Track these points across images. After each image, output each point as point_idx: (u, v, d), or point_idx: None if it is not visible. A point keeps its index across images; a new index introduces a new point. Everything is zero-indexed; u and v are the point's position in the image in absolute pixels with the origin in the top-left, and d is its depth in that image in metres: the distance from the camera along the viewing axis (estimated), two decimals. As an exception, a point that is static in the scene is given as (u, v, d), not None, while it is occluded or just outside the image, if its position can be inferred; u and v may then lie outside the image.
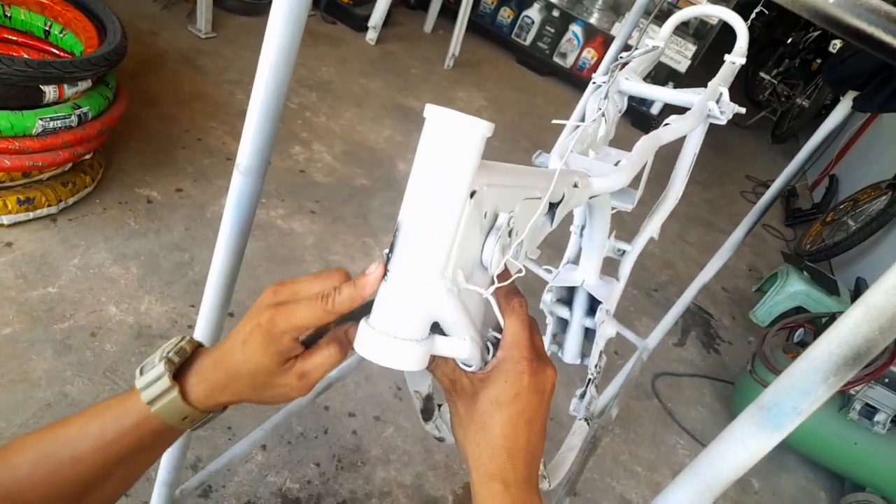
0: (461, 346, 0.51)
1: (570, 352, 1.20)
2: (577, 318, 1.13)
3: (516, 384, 0.51)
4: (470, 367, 0.53)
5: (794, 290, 3.09)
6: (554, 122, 0.91)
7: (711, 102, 1.07)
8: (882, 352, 1.94)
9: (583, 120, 0.97)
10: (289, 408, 1.41)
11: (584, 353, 1.15)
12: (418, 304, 0.46)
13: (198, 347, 0.55)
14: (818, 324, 2.41)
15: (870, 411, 2.12)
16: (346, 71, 3.72)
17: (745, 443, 0.48)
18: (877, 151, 4.67)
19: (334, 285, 0.49)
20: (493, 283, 0.52)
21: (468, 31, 4.42)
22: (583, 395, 1.33)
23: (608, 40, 4.90)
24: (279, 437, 1.58)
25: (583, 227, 1.00)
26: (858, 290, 2.56)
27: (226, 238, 0.78)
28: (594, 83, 1.36)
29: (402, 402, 1.84)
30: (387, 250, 0.46)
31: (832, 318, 2.28)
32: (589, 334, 1.12)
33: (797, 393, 0.45)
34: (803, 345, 2.32)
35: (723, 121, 1.08)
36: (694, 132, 1.08)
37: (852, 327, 0.42)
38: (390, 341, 0.46)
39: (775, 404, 0.46)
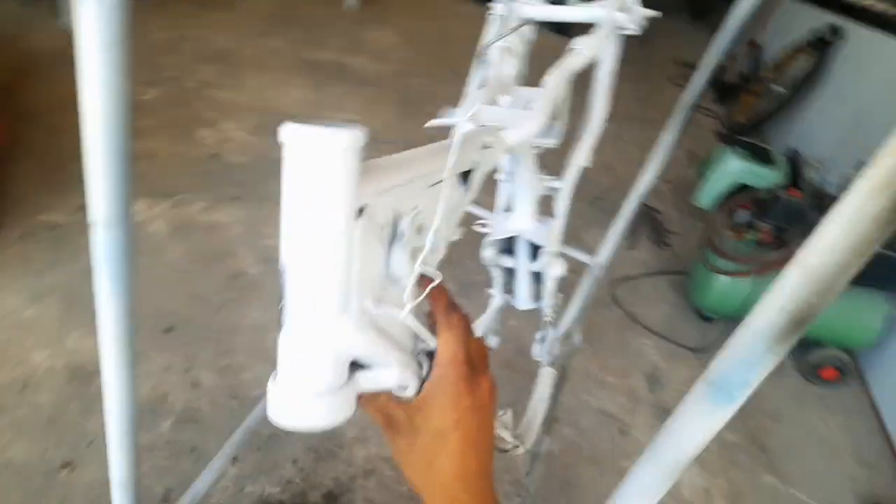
0: (388, 376, 0.45)
1: (522, 298, 1.18)
2: (523, 265, 1.11)
3: (456, 409, 0.48)
4: (406, 388, 0.48)
5: (730, 168, 3.11)
6: (434, 123, 0.79)
7: (618, 13, 0.99)
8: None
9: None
10: (255, 414, 1.35)
11: (540, 296, 1.13)
12: (325, 352, 0.40)
13: None
14: (761, 200, 2.44)
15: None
16: (243, 34, 3.47)
17: (701, 420, 0.46)
18: (794, 10, 4.66)
19: None
20: (412, 295, 0.45)
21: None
22: (543, 339, 1.30)
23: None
24: (248, 445, 1.53)
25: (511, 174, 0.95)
26: (793, 163, 2.59)
27: (110, 313, 0.66)
28: (492, 15, 1.26)
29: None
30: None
31: (771, 194, 2.31)
32: (538, 277, 1.10)
33: (744, 365, 0.43)
34: (748, 226, 2.36)
35: (635, 30, 1.00)
36: (606, 50, 1.00)
37: (790, 293, 0.37)
38: (304, 401, 0.40)
39: (724, 380, 0.44)
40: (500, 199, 1.03)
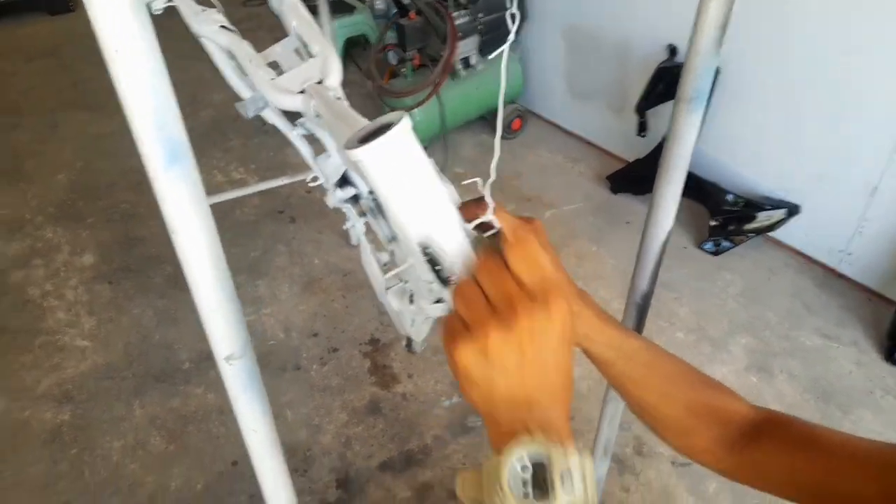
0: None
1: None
2: (363, 186, 1.18)
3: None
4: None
5: (333, 32, 3.35)
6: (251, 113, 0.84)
7: None
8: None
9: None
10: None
11: None
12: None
13: None
14: (386, 38, 2.74)
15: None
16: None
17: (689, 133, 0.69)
18: None
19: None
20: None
21: None
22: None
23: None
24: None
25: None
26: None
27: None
28: (157, 11, 1.19)
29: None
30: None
31: (397, 26, 2.62)
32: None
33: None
34: (400, 62, 2.67)
35: None
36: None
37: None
38: None
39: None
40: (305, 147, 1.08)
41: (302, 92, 0.79)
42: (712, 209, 2.25)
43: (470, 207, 0.48)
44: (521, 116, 2.94)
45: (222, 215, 2.49)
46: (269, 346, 1.95)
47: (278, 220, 2.50)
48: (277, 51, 0.96)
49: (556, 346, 0.42)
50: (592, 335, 0.56)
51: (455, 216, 0.47)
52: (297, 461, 1.62)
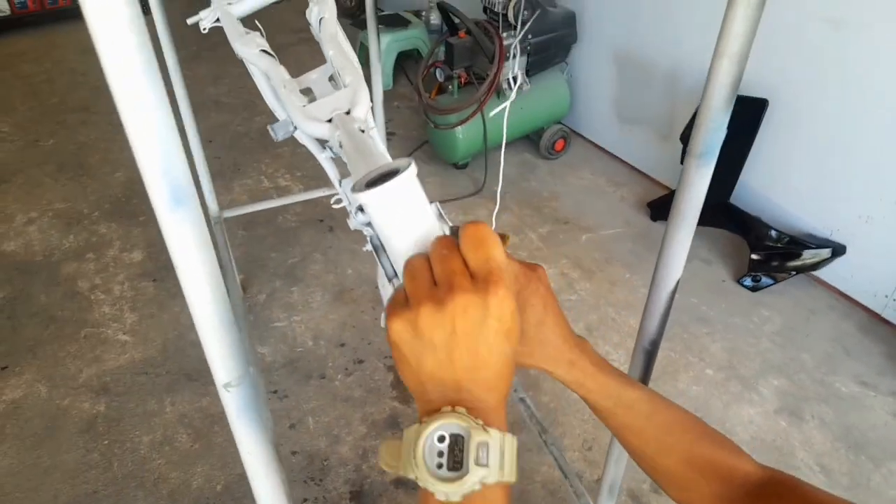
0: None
1: None
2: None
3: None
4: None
5: (386, 44, 3.43)
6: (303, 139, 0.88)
7: None
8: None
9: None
10: None
11: None
12: None
13: None
14: (436, 55, 2.79)
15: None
16: None
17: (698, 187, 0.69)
18: None
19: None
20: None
21: None
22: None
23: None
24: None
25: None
26: (444, 12, 2.92)
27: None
28: (205, 29, 1.25)
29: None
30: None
31: (447, 45, 2.65)
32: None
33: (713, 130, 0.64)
34: (447, 79, 2.71)
35: None
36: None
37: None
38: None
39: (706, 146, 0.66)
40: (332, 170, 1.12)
41: (329, 121, 0.83)
42: (754, 244, 2.19)
43: None
44: (566, 137, 2.93)
45: (266, 220, 2.58)
46: (298, 352, 2.00)
47: (318, 229, 2.56)
48: (313, 77, 1.01)
49: (490, 332, 0.40)
50: (588, 384, 0.56)
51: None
52: (314, 470, 1.66)
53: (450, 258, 0.42)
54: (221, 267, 1.97)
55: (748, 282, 2.20)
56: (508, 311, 0.41)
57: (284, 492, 0.72)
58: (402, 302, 0.42)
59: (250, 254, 2.42)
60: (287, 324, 2.11)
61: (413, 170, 0.45)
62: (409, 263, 0.44)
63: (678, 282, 0.76)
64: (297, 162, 3.00)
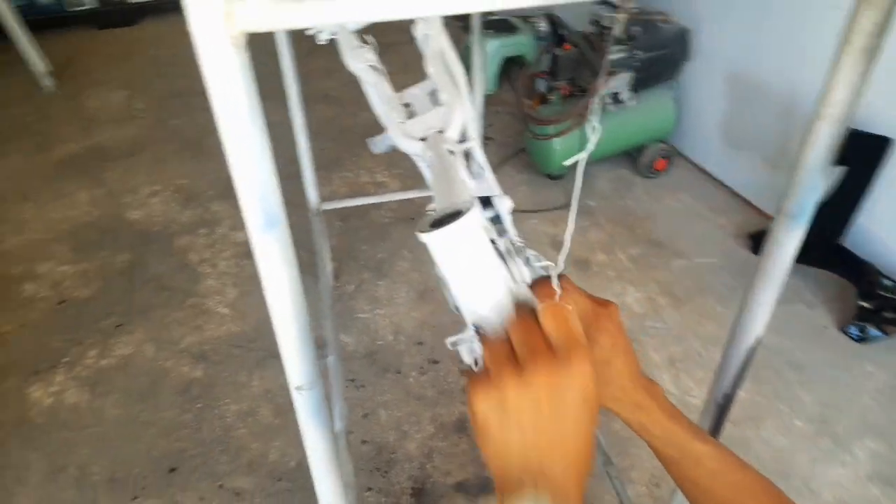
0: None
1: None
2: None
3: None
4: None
5: (492, 49, 3.45)
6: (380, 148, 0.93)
7: None
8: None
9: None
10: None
11: None
12: None
13: None
14: (538, 66, 2.78)
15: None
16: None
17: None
18: None
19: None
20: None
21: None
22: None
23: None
24: None
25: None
26: (553, 22, 2.91)
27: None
28: (321, 42, 1.33)
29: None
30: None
31: (553, 57, 2.65)
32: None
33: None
34: (549, 89, 2.70)
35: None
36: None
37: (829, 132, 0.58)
38: None
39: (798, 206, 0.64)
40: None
41: (423, 139, 0.87)
42: (864, 291, 2.03)
43: (543, 288, 0.49)
44: (668, 157, 2.83)
45: (360, 214, 2.69)
46: (378, 345, 2.08)
47: (409, 226, 2.64)
48: (414, 92, 1.05)
49: (575, 408, 0.41)
50: (654, 430, 0.56)
51: (509, 306, 0.50)
52: (381, 461, 1.73)
53: (530, 333, 0.43)
54: (316, 255, 2.09)
55: (854, 331, 2.04)
56: (591, 382, 0.41)
57: (341, 491, 0.78)
58: (484, 379, 0.43)
59: (344, 244, 2.54)
60: (371, 316, 2.20)
61: (476, 213, 0.47)
62: (487, 341, 0.45)
63: (759, 339, 0.74)
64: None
